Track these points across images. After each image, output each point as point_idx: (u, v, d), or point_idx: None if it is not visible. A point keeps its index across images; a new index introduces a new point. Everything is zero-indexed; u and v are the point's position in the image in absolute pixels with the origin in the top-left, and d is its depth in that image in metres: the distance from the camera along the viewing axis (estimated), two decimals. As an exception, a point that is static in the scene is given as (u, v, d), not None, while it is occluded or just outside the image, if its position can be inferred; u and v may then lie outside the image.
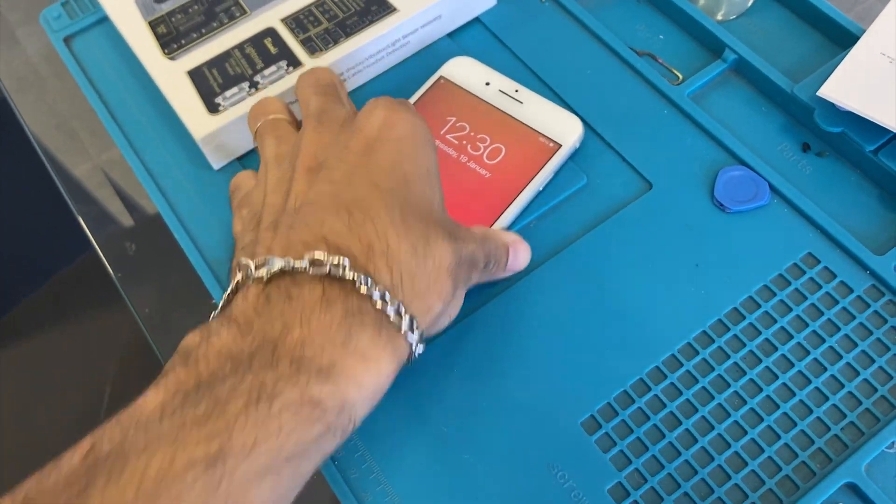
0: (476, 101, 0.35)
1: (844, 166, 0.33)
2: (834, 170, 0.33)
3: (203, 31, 0.37)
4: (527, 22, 0.38)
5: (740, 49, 0.35)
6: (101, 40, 0.40)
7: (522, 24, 0.38)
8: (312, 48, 0.35)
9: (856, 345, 0.29)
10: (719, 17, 0.38)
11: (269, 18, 0.37)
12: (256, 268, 0.23)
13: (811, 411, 0.28)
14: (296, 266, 0.23)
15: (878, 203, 0.32)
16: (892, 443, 0.27)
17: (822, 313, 0.29)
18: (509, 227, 0.32)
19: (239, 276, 0.24)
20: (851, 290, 0.30)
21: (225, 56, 0.36)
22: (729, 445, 0.27)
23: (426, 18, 0.37)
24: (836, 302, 0.29)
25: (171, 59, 0.36)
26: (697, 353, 0.29)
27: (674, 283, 0.30)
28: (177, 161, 0.36)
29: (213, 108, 0.34)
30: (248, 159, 0.36)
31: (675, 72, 0.36)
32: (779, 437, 0.27)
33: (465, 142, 0.34)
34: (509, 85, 0.35)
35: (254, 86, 0.34)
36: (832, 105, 0.32)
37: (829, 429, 0.27)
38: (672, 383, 0.28)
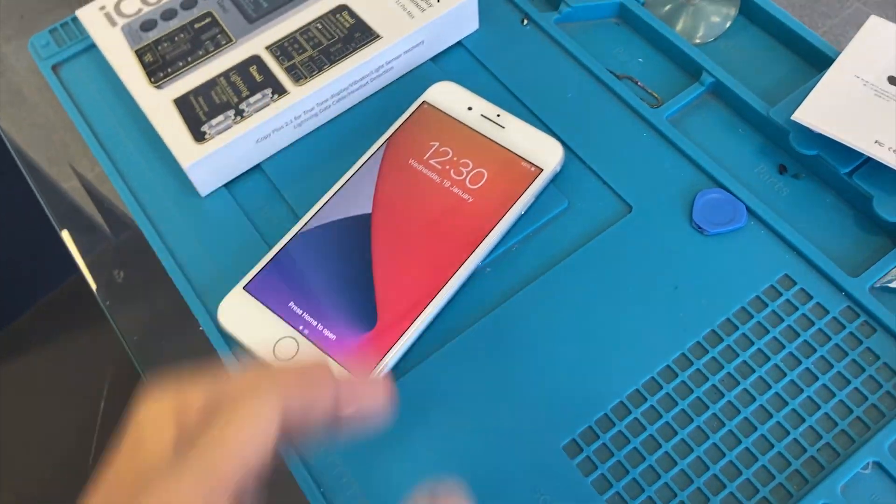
0: (459, 126, 0.35)
1: (820, 188, 0.33)
2: (810, 191, 0.33)
3: (189, 59, 0.37)
4: (508, 46, 0.39)
5: (717, 72, 0.36)
6: (88, 68, 0.41)
7: (504, 48, 0.39)
8: (297, 76, 0.36)
9: (831, 366, 0.29)
10: (697, 40, 0.38)
11: (254, 46, 0.37)
12: None
13: (788, 433, 0.28)
14: None
15: (853, 224, 0.32)
16: (868, 464, 0.27)
17: (799, 335, 0.30)
18: (491, 252, 0.33)
19: None
20: (827, 312, 0.30)
21: (211, 84, 0.36)
22: (708, 468, 0.28)
23: (409, 44, 0.37)
24: (813, 323, 0.30)
25: (158, 87, 0.36)
26: (677, 375, 0.29)
27: (653, 306, 0.31)
28: (165, 188, 0.36)
29: (199, 137, 0.34)
30: (235, 186, 0.36)
31: (654, 94, 0.37)
32: (756, 459, 0.28)
33: (447, 167, 0.34)
34: (491, 109, 0.36)
35: (239, 114, 0.35)
36: (807, 128, 0.33)
37: (805, 450, 0.28)
38: (652, 406, 0.29)
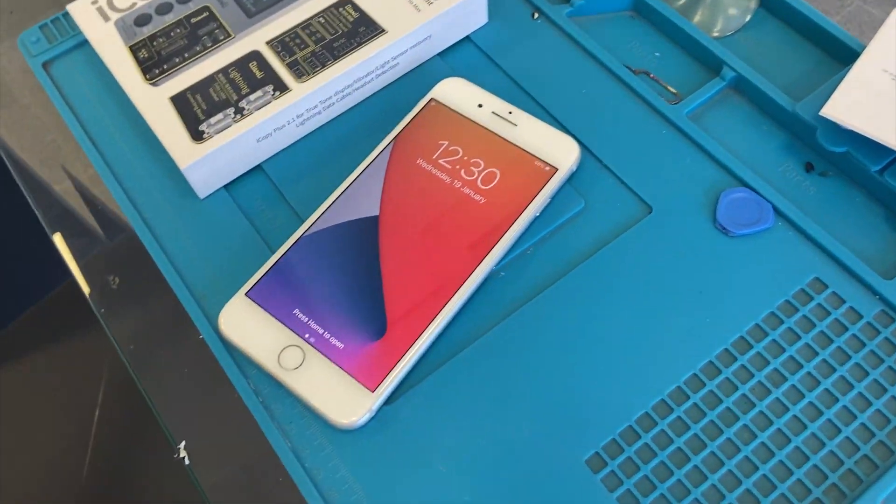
0: (469, 124, 0.34)
1: (849, 186, 0.32)
2: (838, 190, 0.32)
3: (186, 55, 0.35)
4: (519, 40, 0.38)
5: (739, 66, 0.34)
6: (80, 65, 0.39)
7: (514, 43, 0.37)
8: (299, 72, 0.34)
9: (867, 374, 0.28)
10: (715, 34, 0.37)
11: (253, 42, 0.36)
12: None
13: (824, 444, 0.27)
14: None
15: (885, 224, 0.31)
16: (909, 477, 0.26)
17: (832, 341, 0.28)
18: (505, 256, 0.31)
19: None
20: (861, 317, 0.29)
21: (209, 81, 0.35)
22: (740, 482, 0.26)
23: (416, 39, 0.36)
24: (846, 329, 0.29)
25: (154, 84, 0.35)
26: (704, 384, 0.28)
27: (677, 312, 0.29)
28: (161, 190, 0.35)
29: (197, 136, 0.33)
30: (235, 187, 0.35)
31: (673, 90, 0.35)
32: (791, 473, 0.26)
33: (458, 166, 0.33)
34: (502, 107, 0.34)
35: (239, 111, 0.33)
36: (835, 124, 0.31)
37: (842, 462, 0.26)
38: (679, 417, 0.27)
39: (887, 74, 0.32)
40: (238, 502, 0.29)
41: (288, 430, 0.28)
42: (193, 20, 0.37)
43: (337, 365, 0.28)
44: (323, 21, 0.36)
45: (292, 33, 0.36)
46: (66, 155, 0.40)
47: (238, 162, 0.34)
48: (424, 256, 0.31)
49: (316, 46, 0.35)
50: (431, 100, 0.35)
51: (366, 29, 0.35)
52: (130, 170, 0.35)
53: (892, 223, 0.31)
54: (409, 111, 0.35)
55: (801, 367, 0.28)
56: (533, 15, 0.38)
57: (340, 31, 0.35)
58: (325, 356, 0.29)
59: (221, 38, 0.36)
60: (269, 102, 0.33)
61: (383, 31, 0.35)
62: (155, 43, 0.36)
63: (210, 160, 0.33)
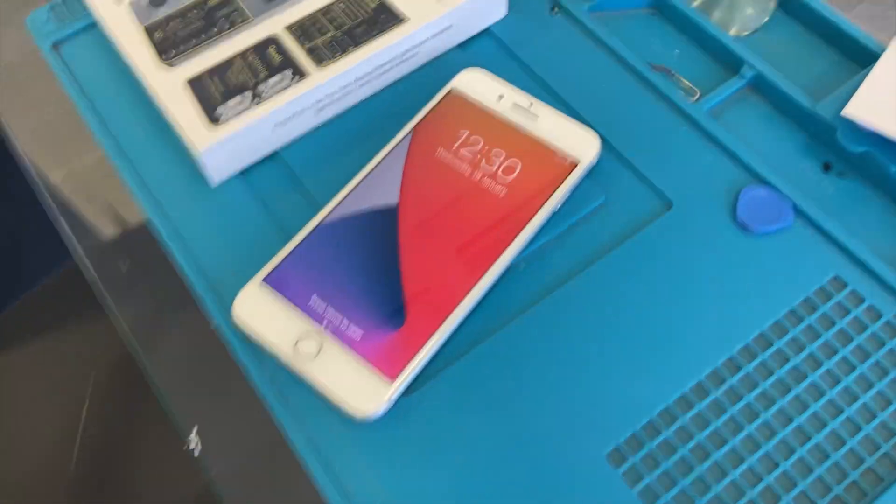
0: (489, 115, 0.34)
1: (868, 186, 0.32)
2: (857, 190, 0.32)
3: (203, 37, 0.35)
4: (539, 34, 0.37)
5: (759, 65, 0.34)
6: (91, 46, 0.38)
7: (534, 36, 0.37)
8: (319, 57, 0.34)
9: (887, 372, 0.28)
10: (733, 33, 0.37)
11: (272, 25, 0.35)
12: None
13: (845, 442, 0.27)
14: None
15: (903, 225, 0.31)
16: (929, 475, 0.26)
17: (852, 339, 0.28)
18: (526, 248, 0.31)
19: None
20: (881, 315, 0.29)
21: (226, 64, 0.34)
22: (760, 479, 0.26)
23: (436, 29, 0.35)
24: (866, 327, 0.29)
25: (170, 66, 0.34)
26: (724, 380, 0.28)
27: (698, 307, 0.29)
28: (175, 176, 0.34)
29: (214, 119, 0.32)
30: (250, 174, 0.34)
31: (693, 87, 0.35)
32: (811, 471, 0.26)
33: (478, 157, 0.32)
34: (523, 98, 0.34)
35: (257, 96, 0.33)
36: (855, 124, 0.31)
37: (863, 461, 0.26)
38: (699, 413, 0.27)
39: (907, 77, 0.32)
40: (248, 492, 0.29)
41: (304, 419, 0.28)
42: (210, 2, 0.36)
43: (355, 353, 0.28)
44: (343, 6, 0.35)
45: (312, 18, 0.35)
46: (71, 137, 0.40)
47: (255, 148, 0.33)
48: (444, 247, 0.30)
49: (336, 32, 0.35)
50: (451, 90, 0.34)
51: (387, 17, 0.35)
52: (144, 154, 0.35)
53: (911, 224, 0.31)
54: (429, 101, 0.34)
55: (822, 364, 0.28)
56: (552, 9, 0.38)
57: (361, 18, 0.35)
58: (344, 344, 0.28)
59: (239, 20, 0.35)
60: (288, 87, 0.33)
61: (404, 19, 0.35)
62: (170, 24, 0.35)
63: (227, 144, 0.32)
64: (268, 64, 0.34)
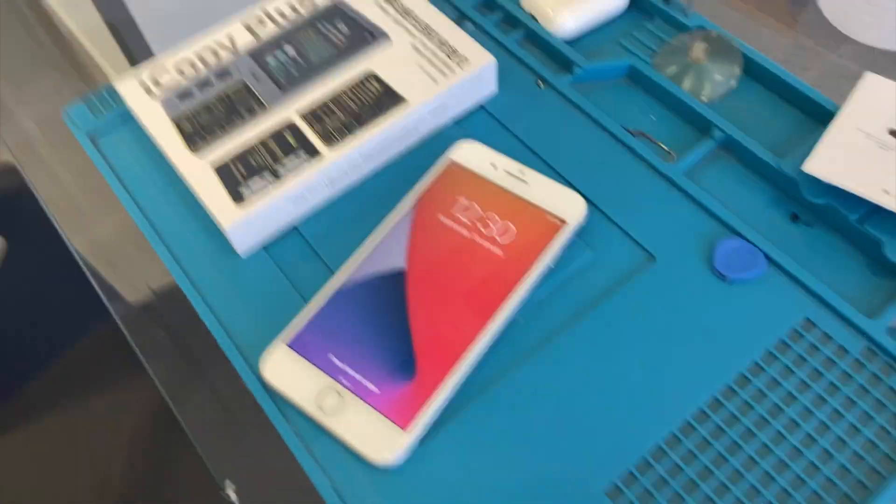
0: (484, 182, 0.37)
1: (832, 234, 0.35)
2: (822, 238, 0.35)
3: (225, 125, 0.39)
4: (527, 107, 0.41)
5: (727, 128, 0.38)
6: (125, 136, 0.42)
7: (523, 110, 0.41)
8: (330, 139, 0.38)
9: (856, 405, 0.30)
10: (704, 99, 0.41)
11: (287, 113, 0.39)
12: None
13: (820, 470, 0.29)
14: None
15: (865, 268, 0.34)
16: (900, 499, 0.28)
17: (823, 376, 0.31)
18: (523, 304, 0.34)
19: None
20: (848, 353, 0.32)
21: (247, 149, 0.38)
22: (746, 508, 0.29)
23: (432, 107, 0.39)
24: (835, 364, 0.31)
25: (197, 154, 0.38)
26: (710, 418, 0.31)
27: (683, 351, 0.32)
28: (205, 251, 0.38)
29: (238, 198, 0.36)
30: (274, 247, 0.38)
31: (669, 150, 0.39)
32: (790, 496, 0.29)
33: (476, 221, 0.36)
34: (514, 166, 0.38)
35: (276, 175, 0.37)
36: (816, 178, 0.35)
37: (837, 486, 0.29)
38: (689, 450, 0.30)
39: (861, 133, 0.36)
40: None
41: (328, 467, 0.31)
42: (231, 94, 0.40)
43: (372, 407, 0.31)
44: (350, 93, 0.40)
45: (323, 105, 0.39)
46: (93, 200, 0.43)
47: (276, 221, 0.37)
48: (449, 305, 0.34)
49: (343, 116, 0.39)
50: (449, 160, 0.38)
51: (388, 100, 0.39)
52: (177, 234, 0.38)
53: (873, 267, 0.34)
54: (429, 171, 0.38)
55: (797, 399, 0.31)
56: (538, 84, 0.42)
57: (366, 102, 0.39)
58: (361, 399, 0.31)
59: (257, 110, 0.39)
60: (303, 166, 0.37)
61: (404, 100, 0.39)
62: (197, 116, 0.40)
63: (251, 220, 0.36)
64: (284, 146, 0.38)
